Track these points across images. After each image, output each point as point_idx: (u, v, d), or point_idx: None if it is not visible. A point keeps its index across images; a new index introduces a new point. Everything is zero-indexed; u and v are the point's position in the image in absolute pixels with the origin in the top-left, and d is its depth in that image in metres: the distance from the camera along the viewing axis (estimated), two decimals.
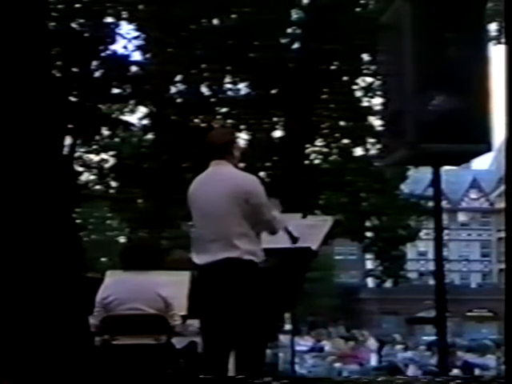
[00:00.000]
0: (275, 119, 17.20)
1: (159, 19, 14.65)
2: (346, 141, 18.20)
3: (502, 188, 36.11)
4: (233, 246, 4.72)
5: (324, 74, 16.18)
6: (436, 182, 6.48)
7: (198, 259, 4.82)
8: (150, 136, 17.86)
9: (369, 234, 21.90)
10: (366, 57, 16.67)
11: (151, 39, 15.57)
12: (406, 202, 20.58)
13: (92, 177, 19.01)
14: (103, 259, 32.22)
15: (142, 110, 17.37)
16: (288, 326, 21.72)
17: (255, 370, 4.70)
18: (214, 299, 4.73)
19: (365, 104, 17.38)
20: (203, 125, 16.27)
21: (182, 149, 15.71)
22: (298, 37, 16.55)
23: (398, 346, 29.69)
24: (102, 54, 15.66)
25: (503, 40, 11.12)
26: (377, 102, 16.60)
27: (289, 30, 16.50)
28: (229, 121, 16.70)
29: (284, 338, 21.14)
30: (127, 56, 16.01)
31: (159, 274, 6.07)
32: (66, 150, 15.06)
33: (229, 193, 4.78)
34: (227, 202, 4.76)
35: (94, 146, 18.04)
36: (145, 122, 17.44)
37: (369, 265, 40.07)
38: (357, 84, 17.36)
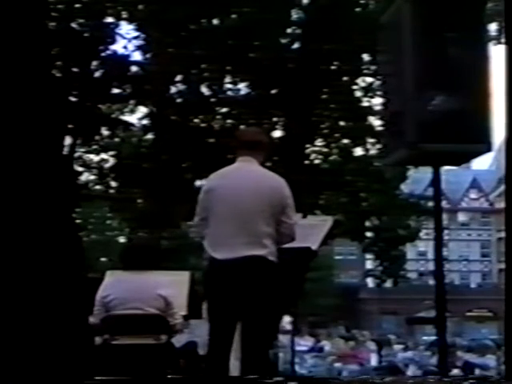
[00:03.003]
0: (275, 119, 17.20)
1: (159, 19, 14.65)
2: (346, 141, 18.22)
3: (502, 188, 36.11)
4: (260, 245, 4.67)
5: (324, 74, 16.18)
6: (436, 182, 6.46)
7: (217, 254, 4.70)
8: (150, 136, 17.87)
9: (369, 234, 21.92)
10: (366, 57, 16.67)
11: (151, 39, 15.57)
12: (405, 202, 20.59)
13: (92, 177, 19.03)
14: (103, 259, 32.22)
15: (142, 110, 17.40)
16: (288, 326, 21.71)
17: (268, 369, 4.71)
18: (235, 295, 4.65)
19: (365, 104, 17.40)
20: (203, 125, 16.28)
21: (182, 149, 15.72)
22: (298, 37, 16.55)
23: (398, 346, 29.69)
24: (102, 54, 15.67)
25: (503, 40, 11.11)
26: (377, 102, 16.63)
27: (289, 30, 16.50)
28: (229, 121, 16.71)
29: (284, 338, 21.12)
30: (127, 56, 16.01)
31: (159, 273, 6.08)
32: (66, 150, 15.07)
33: (264, 192, 4.74)
34: (261, 200, 4.71)
35: (94, 146, 18.06)
36: (145, 122, 17.46)
37: (369, 265, 40.08)
38: (357, 84, 17.37)
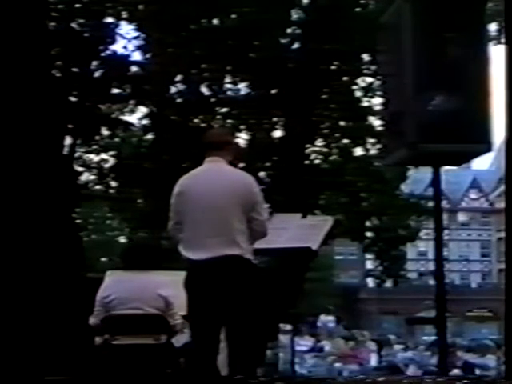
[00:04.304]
0: (275, 119, 17.20)
1: (159, 19, 14.65)
2: (346, 141, 18.20)
3: (502, 188, 36.11)
4: (235, 244, 4.69)
5: (324, 74, 16.18)
6: (436, 181, 6.46)
7: (193, 255, 4.73)
8: (150, 136, 17.86)
9: (369, 234, 21.88)
10: (366, 57, 16.67)
11: (151, 39, 15.57)
12: (406, 201, 20.56)
13: (92, 177, 19.01)
14: (103, 259, 32.22)
15: (142, 110, 17.38)
16: (288, 326, 21.71)
17: (251, 370, 4.69)
18: (212, 296, 4.65)
19: (365, 104, 17.39)
20: (203, 125, 16.27)
21: (182, 149, 15.71)
22: (298, 37, 16.55)
23: (398, 346, 29.72)
24: (102, 54, 15.66)
25: (503, 40, 11.11)
26: (377, 102, 16.61)
27: (289, 30, 16.50)
28: (229, 121, 16.70)
29: (284, 338, 21.11)
30: (127, 56, 16.01)
31: (160, 273, 6.08)
32: (66, 150, 15.08)
33: (234, 190, 4.78)
34: (232, 198, 4.76)
35: (94, 146, 18.04)
36: (145, 122, 17.45)
37: (369, 265, 40.09)
38: (357, 84, 17.36)
